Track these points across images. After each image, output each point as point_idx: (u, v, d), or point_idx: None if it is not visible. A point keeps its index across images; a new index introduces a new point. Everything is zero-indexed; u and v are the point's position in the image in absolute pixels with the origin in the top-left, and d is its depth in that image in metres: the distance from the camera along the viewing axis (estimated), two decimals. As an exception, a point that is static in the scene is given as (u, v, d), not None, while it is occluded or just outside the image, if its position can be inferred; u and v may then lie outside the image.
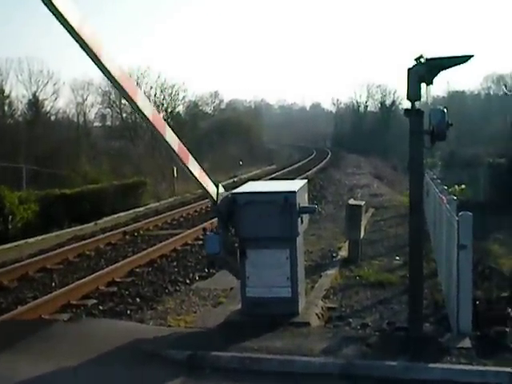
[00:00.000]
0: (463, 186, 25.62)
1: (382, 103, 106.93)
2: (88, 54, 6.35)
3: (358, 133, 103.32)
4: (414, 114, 7.69)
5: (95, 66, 6.53)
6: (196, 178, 8.64)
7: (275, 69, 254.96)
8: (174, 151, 8.17)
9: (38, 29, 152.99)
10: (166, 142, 7.95)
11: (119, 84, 6.87)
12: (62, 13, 5.77)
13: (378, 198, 27.62)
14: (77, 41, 6.15)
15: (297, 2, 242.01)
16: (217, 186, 8.97)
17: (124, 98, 7.52)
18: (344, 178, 40.78)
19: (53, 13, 5.77)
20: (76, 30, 5.98)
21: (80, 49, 6.24)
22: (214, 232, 9.02)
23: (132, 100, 7.16)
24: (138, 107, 7.26)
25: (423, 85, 7.64)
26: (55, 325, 9.54)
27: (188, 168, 8.51)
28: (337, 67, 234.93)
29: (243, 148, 71.91)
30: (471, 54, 7.50)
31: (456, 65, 7.63)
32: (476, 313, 8.27)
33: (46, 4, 5.66)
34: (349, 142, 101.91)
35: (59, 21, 5.88)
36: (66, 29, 6.00)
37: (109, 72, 6.62)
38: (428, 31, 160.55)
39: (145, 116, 7.41)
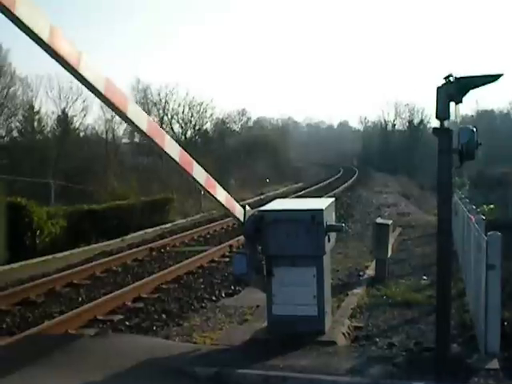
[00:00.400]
0: (492, 206, 25.44)
1: (410, 122, 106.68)
2: (63, 66, 6.05)
3: (386, 151, 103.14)
4: (442, 132, 7.65)
5: (74, 77, 6.25)
6: (222, 204, 8.63)
7: (303, 87, 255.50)
8: (201, 185, 8.16)
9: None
10: (194, 178, 7.94)
11: (102, 94, 6.54)
12: (28, 25, 5.37)
13: (405, 217, 27.51)
14: (48, 53, 5.80)
15: (326, 19, 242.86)
16: (244, 208, 8.99)
17: (113, 110, 7.25)
18: (371, 197, 40.69)
19: (15, 24, 5.37)
20: (46, 42, 5.63)
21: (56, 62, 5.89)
22: (241, 252, 9.01)
23: (121, 112, 6.91)
24: (131, 121, 7.05)
25: (452, 104, 7.61)
26: (81, 340, 9.57)
27: (213, 196, 8.50)
28: (365, 85, 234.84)
29: (270, 166, 72.04)
30: (501, 73, 7.47)
31: (485, 84, 7.59)
32: (504, 334, 8.18)
33: (5, 15, 5.24)
34: (376, 160, 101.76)
35: (24, 32, 5.49)
36: (35, 42, 5.62)
37: (88, 82, 6.31)
38: (458, 49, 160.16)
39: (142, 132, 7.26)
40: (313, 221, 8.68)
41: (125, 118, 7.03)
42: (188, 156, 7.91)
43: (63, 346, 9.06)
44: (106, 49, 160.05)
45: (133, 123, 7.11)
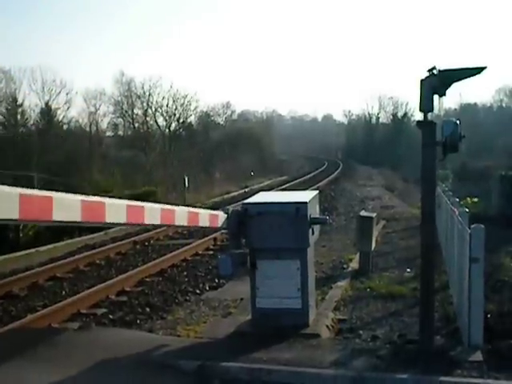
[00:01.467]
0: (475, 199, 25.49)
1: (394, 115, 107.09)
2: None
3: (370, 144, 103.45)
4: (426, 125, 7.65)
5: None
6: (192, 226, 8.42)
7: (287, 80, 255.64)
8: (186, 225, 8.01)
9: (51, 38, 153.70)
10: (178, 225, 7.73)
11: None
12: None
13: (389, 210, 27.57)
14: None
15: (309, 13, 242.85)
16: (226, 213, 8.90)
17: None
18: (355, 190, 40.77)
19: None
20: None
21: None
22: (225, 253, 8.95)
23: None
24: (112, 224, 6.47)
25: (436, 96, 7.62)
26: (65, 333, 9.51)
27: (199, 226, 8.36)
28: (349, 79, 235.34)
29: (255, 159, 72.04)
30: (484, 65, 7.47)
31: (469, 76, 7.59)
32: (487, 326, 8.21)
33: None
34: (360, 153, 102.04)
35: None
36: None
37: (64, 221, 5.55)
38: (441, 43, 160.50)
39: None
40: (297, 213, 8.66)
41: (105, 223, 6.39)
42: (168, 210, 7.67)
43: (47, 339, 9.01)
44: (92, 43, 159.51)
45: (113, 224, 6.77)
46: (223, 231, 9.93)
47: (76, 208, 5.59)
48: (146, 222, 6.99)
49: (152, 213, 7.15)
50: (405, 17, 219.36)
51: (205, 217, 8.47)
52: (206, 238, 19.11)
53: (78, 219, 5.73)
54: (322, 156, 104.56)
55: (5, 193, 4.54)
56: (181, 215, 7.77)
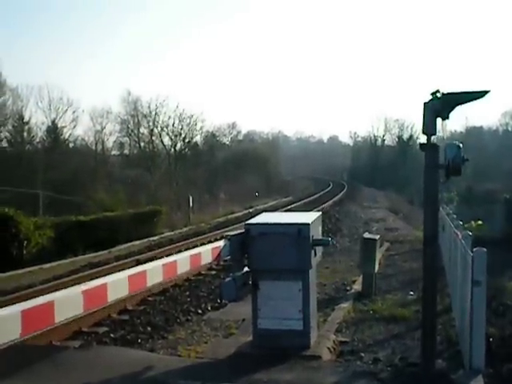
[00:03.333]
0: (480, 222, 25.47)
1: (400, 137, 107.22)
2: None
3: (375, 166, 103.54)
4: (429, 148, 7.67)
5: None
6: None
7: (293, 101, 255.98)
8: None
9: (60, 57, 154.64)
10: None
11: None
12: None
13: (393, 233, 27.58)
14: None
15: (316, 35, 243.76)
16: (229, 239, 8.89)
17: None
18: (360, 212, 40.80)
19: None
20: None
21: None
22: (229, 277, 8.92)
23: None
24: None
25: (439, 119, 7.63)
26: (65, 351, 9.49)
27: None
28: (355, 100, 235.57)
29: (260, 179, 72.19)
30: (487, 89, 7.49)
31: (472, 100, 7.61)
32: (489, 350, 8.18)
33: None
34: (365, 175, 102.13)
35: None
36: None
37: None
38: (447, 66, 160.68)
39: None
40: (299, 235, 8.66)
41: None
42: (169, 263, 7.70)
43: (47, 357, 8.97)
44: (98, 61, 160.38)
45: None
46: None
47: (78, 301, 5.62)
48: (149, 285, 7.03)
49: (154, 273, 7.19)
50: (412, 40, 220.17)
51: (207, 253, 8.51)
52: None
53: (80, 311, 5.78)
54: (327, 177, 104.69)
55: (5, 315, 4.52)
56: (183, 263, 7.81)
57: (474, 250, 7.84)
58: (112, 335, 10.98)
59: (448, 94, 7.49)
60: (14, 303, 12.59)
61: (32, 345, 9.98)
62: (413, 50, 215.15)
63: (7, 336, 4.56)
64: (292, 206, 46.39)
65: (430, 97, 7.58)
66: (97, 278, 15.79)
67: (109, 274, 16.67)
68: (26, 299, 12.32)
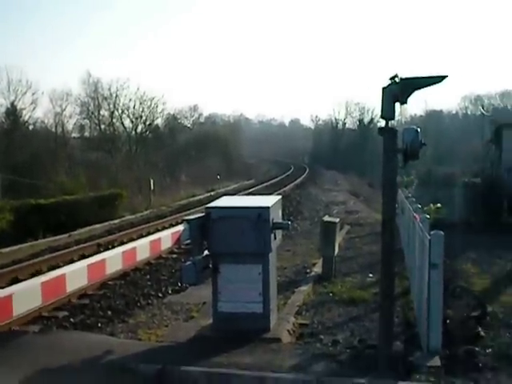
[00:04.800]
0: (439, 205, 25.67)
1: (361, 121, 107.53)
2: None
3: (336, 150, 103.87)
4: (387, 132, 7.72)
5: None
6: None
7: (255, 84, 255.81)
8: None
9: (19, 38, 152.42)
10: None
11: None
12: None
13: (353, 215, 27.73)
14: None
15: (277, 17, 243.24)
16: (188, 223, 8.85)
17: None
18: (321, 195, 40.97)
19: None
20: None
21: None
22: (189, 261, 8.92)
23: None
24: None
25: (398, 104, 7.68)
26: (25, 336, 9.44)
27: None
28: (316, 84, 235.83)
29: (222, 162, 72.12)
30: (445, 74, 7.55)
31: (430, 85, 7.66)
32: (446, 331, 8.30)
33: None
34: (327, 158, 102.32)
35: None
36: None
37: None
38: (407, 50, 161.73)
39: None
40: (259, 218, 8.69)
41: None
42: (129, 250, 7.66)
43: (6, 342, 8.94)
44: (61, 45, 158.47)
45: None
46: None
47: (36, 293, 5.63)
48: (108, 272, 7.05)
49: (113, 261, 7.20)
50: (373, 23, 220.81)
51: (167, 238, 8.52)
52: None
53: (39, 303, 5.80)
54: (289, 160, 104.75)
55: None
56: (143, 249, 7.81)
57: (432, 232, 7.93)
58: (72, 320, 10.90)
59: (406, 78, 7.53)
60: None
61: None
62: (373, 34, 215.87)
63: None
64: (254, 188, 46.42)
65: (389, 81, 7.62)
66: (57, 263, 15.79)
67: (69, 258, 16.71)
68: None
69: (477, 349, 8.22)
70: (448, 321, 8.99)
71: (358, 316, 10.61)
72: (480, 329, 8.99)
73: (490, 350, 8.43)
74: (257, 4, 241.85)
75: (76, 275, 6.08)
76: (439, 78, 7.59)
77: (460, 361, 7.81)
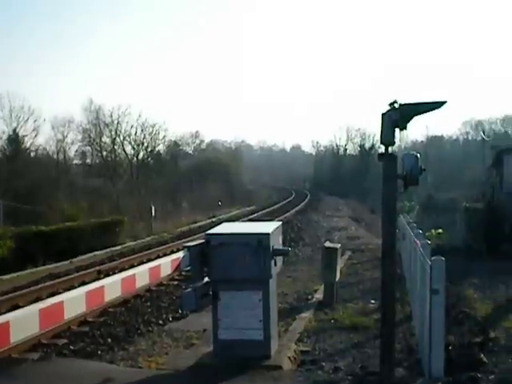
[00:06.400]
0: (440, 230, 25.73)
1: (361, 146, 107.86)
2: None
3: (337, 175, 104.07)
4: (387, 158, 7.72)
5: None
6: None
7: (256, 110, 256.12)
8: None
9: (21, 65, 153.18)
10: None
11: None
12: None
13: (355, 241, 27.71)
14: None
15: (278, 41, 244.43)
16: (188, 250, 8.85)
17: None
18: (322, 220, 40.94)
19: None
20: None
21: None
22: (189, 287, 8.88)
23: None
24: None
25: (397, 130, 7.69)
26: (24, 364, 9.39)
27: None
28: (317, 110, 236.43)
29: (223, 188, 72.18)
30: (444, 100, 7.57)
31: (430, 110, 7.68)
32: (449, 358, 8.24)
33: None
34: (328, 184, 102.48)
35: None
36: None
37: None
38: (408, 77, 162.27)
39: None
40: (259, 245, 8.67)
41: None
42: (128, 277, 7.70)
43: (5, 370, 8.88)
44: (61, 71, 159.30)
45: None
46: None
47: (34, 320, 5.64)
48: (107, 299, 7.05)
49: (112, 288, 7.19)
50: (372, 50, 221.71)
51: (167, 265, 8.50)
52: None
53: (37, 331, 5.79)
54: (290, 186, 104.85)
55: None
56: (142, 276, 7.80)
57: (432, 258, 7.90)
58: (72, 347, 10.84)
59: (405, 104, 7.55)
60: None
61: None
62: (374, 59, 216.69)
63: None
64: (255, 215, 46.40)
65: (388, 107, 7.64)
66: (57, 290, 15.74)
67: (69, 285, 16.65)
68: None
69: (479, 375, 8.15)
70: (450, 347, 8.93)
71: (359, 342, 10.55)
72: (482, 355, 8.92)
73: (492, 376, 8.35)
74: (258, 28, 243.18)
75: (74, 302, 6.06)
76: (439, 104, 7.61)
77: (463, 388, 7.74)
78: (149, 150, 68.40)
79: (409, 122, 7.61)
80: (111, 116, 65.74)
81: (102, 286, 6.67)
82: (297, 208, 54.59)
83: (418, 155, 7.73)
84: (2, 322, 5.18)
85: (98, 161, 66.23)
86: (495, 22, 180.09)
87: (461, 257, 19.24)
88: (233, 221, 33.72)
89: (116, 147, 66.09)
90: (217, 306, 8.93)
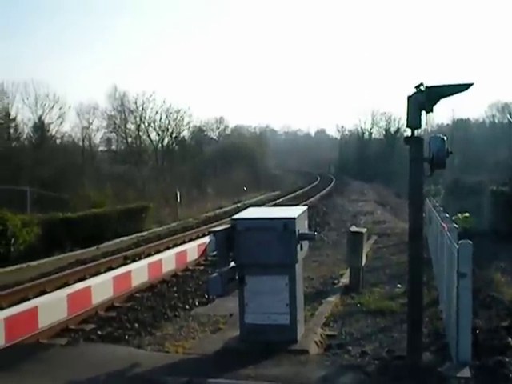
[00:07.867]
0: (466, 214, 25.53)
1: (387, 130, 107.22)
2: None
3: (363, 159, 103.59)
4: (413, 141, 7.67)
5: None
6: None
7: (281, 95, 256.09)
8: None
9: (46, 53, 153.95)
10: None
11: None
12: None
13: (380, 225, 27.62)
14: None
15: (303, 28, 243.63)
16: (214, 235, 8.83)
17: None
18: (347, 205, 40.85)
19: None
20: None
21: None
22: (215, 272, 8.87)
23: None
24: None
25: (423, 112, 7.63)
26: (52, 349, 9.48)
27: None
28: (342, 94, 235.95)
29: (248, 174, 72.07)
30: (471, 82, 7.50)
31: (456, 93, 7.61)
32: (476, 342, 8.20)
33: None
34: (353, 168, 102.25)
35: None
36: None
37: None
38: (433, 59, 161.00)
39: None
40: (285, 229, 8.66)
41: None
42: (154, 262, 7.68)
43: (34, 355, 8.95)
44: (86, 58, 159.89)
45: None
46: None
47: (62, 305, 5.63)
48: (134, 284, 7.04)
49: (139, 273, 7.18)
50: (399, 32, 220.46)
51: (193, 250, 8.49)
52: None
53: (65, 316, 5.81)
54: (315, 171, 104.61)
55: None
56: (168, 261, 7.80)
57: (460, 242, 7.85)
58: (99, 332, 10.93)
59: (431, 87, 7.49)
60: (1, 303, 12.61)
61: (19, 344, 9.93)
62: (400, 42, 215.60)
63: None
64: (280, 200, 46.34)
65: (414, 90, 7.58)
66: (84, 275, 15.85)
67: (96, 271, 16.75)
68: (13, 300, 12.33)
69: (507, 359, 8.09)
70: (478, 331, 8.88)
71: (386, 327, 10.53)
72: (510, 339, 8.86)
73: (520, 360, 8.31)
74: (284, 15, 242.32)
75: (101, 287, 6.06)
76: (465, 86, 7.54)
77: (490, 372, 7.68)
78: (173, 135, 68.43)
79: (435, 104, 7.55)
80: (136, 102, 65.82)
81: (129, 271, 6.65)
82: (322, 193, 54.51)
83: (445, 138, 7.68)
84: (31, 307, 5.17)
85: (123, 147, 66.40)
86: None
87: (487, 241, 19.11)
88: (258, 206, 33.71)
89: (141, 133, 66.20)
90: (243, 290, 8.94)
